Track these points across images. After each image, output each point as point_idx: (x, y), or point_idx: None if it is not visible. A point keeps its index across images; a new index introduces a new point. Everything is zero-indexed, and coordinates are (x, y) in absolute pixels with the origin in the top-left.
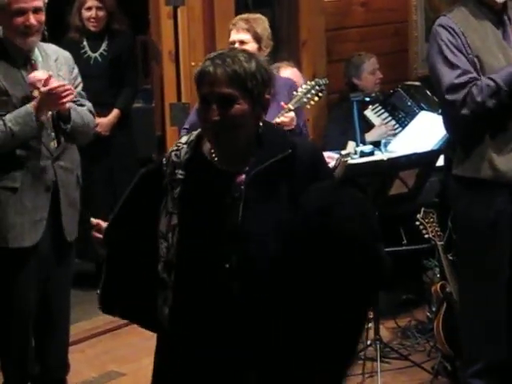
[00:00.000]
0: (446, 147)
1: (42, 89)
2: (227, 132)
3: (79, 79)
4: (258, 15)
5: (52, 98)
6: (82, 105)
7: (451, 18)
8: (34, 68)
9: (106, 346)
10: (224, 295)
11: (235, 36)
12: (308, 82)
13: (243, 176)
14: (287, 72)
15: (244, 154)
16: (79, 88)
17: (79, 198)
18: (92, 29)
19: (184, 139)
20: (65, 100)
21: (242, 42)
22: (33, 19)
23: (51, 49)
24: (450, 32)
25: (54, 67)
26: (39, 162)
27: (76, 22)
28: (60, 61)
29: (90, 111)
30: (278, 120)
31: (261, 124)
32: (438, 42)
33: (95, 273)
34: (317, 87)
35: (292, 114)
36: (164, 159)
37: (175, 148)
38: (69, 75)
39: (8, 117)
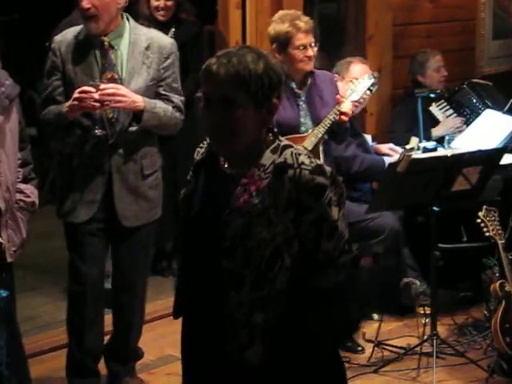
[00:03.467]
0: None
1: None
2: (226, 136)
3: (171, 71)
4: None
5: (77, 105)
6: (170, 100)
7: None
8: (105, 52)
9: (163, 331)
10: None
11: (306, 39)
12: (359, 78)
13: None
14: (357, 68)
15: (247, 158)
16: (169, 80)
17: (147, 187)
18: (160, 18)
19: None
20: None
21: (311, 46)
22: (85, 3)
23: (147, 35)
24: None
25: (139, 55)
26: (95, 145)
27: (144, 10)
28: (152, 49)
29: (178, 107)
30: (336, 115)
31: (272, 127)
32: None
33: (155, 257)
34: (368, 81)
35: (349, 104)
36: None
37: (200, 147)
38: (157, 65)
39: (53, 108)
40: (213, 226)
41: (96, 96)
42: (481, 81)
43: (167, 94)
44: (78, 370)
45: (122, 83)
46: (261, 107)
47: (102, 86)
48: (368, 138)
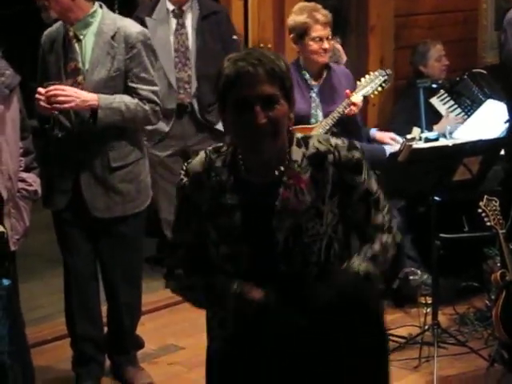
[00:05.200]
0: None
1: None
2: (272, 135)
3: (137, 61)
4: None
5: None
6: (137, 93)
7: None
8: (69, 42)
9: (165, 321)
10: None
11: (323, 32)
12: (371, 73)
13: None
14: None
15: (277, 159)
16: (135, 70)
17: (117, 180)
18: None
19: (219, 162)
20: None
21: (328, 39)
22: None
23: (116, 25)
24: None
25: (104, 45)
26: (64, 135)
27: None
28: (117, 39)
29: (148, 99)
30: (345, 108)
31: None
32: None
33: (157, 248)
34: (380, 77)
35: (360, 98)
36: (184, 181)
37: (213, 174)
38: (122, 55)
39: None
40: (260, 238)
41: (43, 98)
42: (481, 70)
43: (134, 85)
44: (79, 358)
45: (84, 74)
46: (291, 103)
47: (47, 88)
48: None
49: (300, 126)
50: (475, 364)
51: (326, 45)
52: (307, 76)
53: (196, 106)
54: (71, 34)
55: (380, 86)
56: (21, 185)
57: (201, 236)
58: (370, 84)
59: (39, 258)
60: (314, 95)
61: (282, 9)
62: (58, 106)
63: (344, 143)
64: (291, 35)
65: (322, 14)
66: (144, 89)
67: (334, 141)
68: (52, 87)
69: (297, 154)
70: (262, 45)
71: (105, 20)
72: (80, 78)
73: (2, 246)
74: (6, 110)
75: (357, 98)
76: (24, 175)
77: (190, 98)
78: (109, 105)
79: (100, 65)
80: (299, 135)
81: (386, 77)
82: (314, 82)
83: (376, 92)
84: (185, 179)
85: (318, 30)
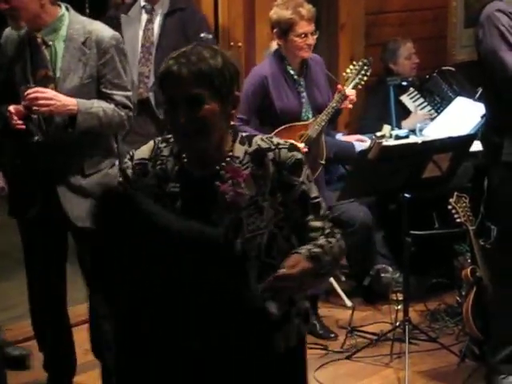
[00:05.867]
0: (488, 134)
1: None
2: (196, 135)
3: (110, 66)
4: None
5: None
6: (111, 98)
7: (508, 4)
8: (38, 48)
9: None
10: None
11: (307, 27)
12: (354, 63)
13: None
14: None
15: (217, 155)
16: (109, 76)
17: (93, 184)
18: None
19: (166, 151)
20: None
21: (312, 34)
22: (1, 4)
23: (86, 29)
24: (509, 17)
25: (75, 51)
26: (34, 144)
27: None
28: (89, 44)
29: (123, 104)
30: (339, 102)
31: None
32: (499, 26)
33: None
34: (365, 67)
35: (353, 91)
36: (127, 164)
37: (159, 162)
38: (94, 61)
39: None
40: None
41: (15, 118)
42: (451, 68)
43: (108, 91)
44: (50, 360)
45: (56, 82)
46: (225, 102)
47: (28, 91)
48: None
49: (296, 124)
50: (446, 360)
51: (310, 40)
52: (292, 71)
53: (153, 101)
54: (39, 40)
55: (365, 75)
56: None
57: None
58: (358, 75)
59: (9, 258)
60: (301, 89)
61: (253, 6)
62: (37, 109)
63: (286, 143)
64: (274, 30)
65: (307, 9)
66: (118, 94)
67: (276, 140)
68: (32, 90)
69: (239, 150)
70: (231, 43)
71: (73, 24)
72: (51, 85)
73: None
74: None
75: (350, 91)
76: None
77: (147, 92)
78: (88, 109)
79: (72, 72)
80: (245, 134)
81: (369, 65)
82: (299, 77)
83: (363, 82)
84: (128, 163)
85: (304, 26)
